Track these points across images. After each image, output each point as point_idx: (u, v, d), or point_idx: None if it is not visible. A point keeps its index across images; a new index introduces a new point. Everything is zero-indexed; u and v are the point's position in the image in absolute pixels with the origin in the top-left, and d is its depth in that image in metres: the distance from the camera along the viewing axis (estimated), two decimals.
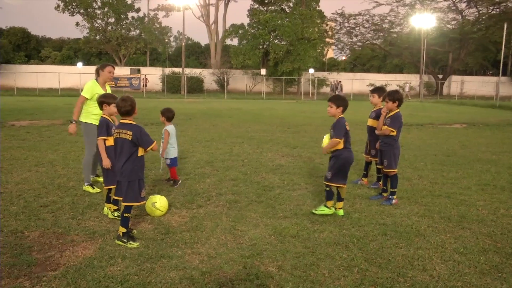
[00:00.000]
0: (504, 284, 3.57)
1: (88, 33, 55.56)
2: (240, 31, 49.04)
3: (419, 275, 3.70)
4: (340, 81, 44.55)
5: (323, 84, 50.48)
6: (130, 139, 4.22)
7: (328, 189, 5.23)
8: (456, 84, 55.35)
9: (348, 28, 56.60)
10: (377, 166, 6.43)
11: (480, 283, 3.58)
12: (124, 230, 4.24)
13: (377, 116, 6.23)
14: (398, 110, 5.85)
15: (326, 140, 5.41)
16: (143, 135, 4.25)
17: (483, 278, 3.66)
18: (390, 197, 5.80)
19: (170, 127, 6.54)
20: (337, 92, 42.95)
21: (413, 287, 3.49)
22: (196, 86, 44.60)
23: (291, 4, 50.19)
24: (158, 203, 5.05)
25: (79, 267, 3.68)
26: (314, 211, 5.19)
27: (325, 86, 48.88)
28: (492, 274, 3.74)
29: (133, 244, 4.18)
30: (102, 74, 6.22)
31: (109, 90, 6.25)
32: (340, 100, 5.28)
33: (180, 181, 6.57)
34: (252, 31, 48.34)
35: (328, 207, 5.18)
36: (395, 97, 5.80)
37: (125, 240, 4.20)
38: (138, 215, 5.09)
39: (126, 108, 4.27)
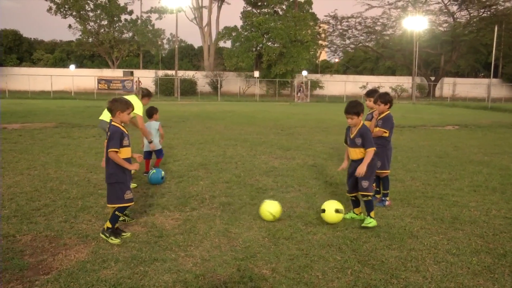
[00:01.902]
0: (496, 285, 3.60)
1: (80, 35, 55.32)
2: (233, 34, 49.08)
3: (412, 276, 3.72)
4: (302, 82, 44.83)
5: (316, 87, 50.64)
6: (107, 139, 4.36)
7: (369, 198, 4.96)
8: (448, 86, 55.78)
9: (341, 31, 56.91)
10: None
11: (473, 283, 3.61)
12: (109, 225, 4.33)
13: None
14: (389, 112, 5.88)
15: (332, 213, 4.92)
16: (112, 136, 4.30)
17: (475, 279, 3.69)
18: (383, 198, 5.82)
19: (147, 123, 7.16)
20: (300, 93, 43.24)
21: None
22: (189, 88, 44.54)
23: (284, 7, 50.38)
24: (272, 208, 5.00)
25: (71, 271, 3.66)
26: (364, 225, 4.84)
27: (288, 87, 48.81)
28: (484, 275, 3.77)
29: (114, 241, 4.25)
30: (147, 100, 6.98)
31: None
32: (358, 107, 4.89)
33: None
34: (245, 33, 48.40)
35: (373, 218, 4.93)
36: (386, 99, 5.82)
37: (107, 235, 4.29)
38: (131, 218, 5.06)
39: (107, 106, 4.48)
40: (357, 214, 5.21)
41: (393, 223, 5.05)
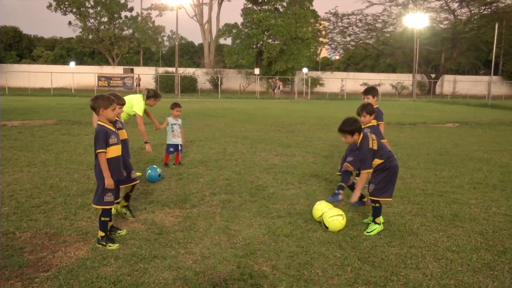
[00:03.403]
0: (495, 282, 3.60)
1: (80, 32, 55.24)
2: (234, 31, 48.98)
3: (412, 273, 3.72)
4: (277, 79, 44.97)
5: (316, 84, 50.60)
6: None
7: (377, 205, 4.69)
8: (449, 84, 55.70)
9: (341, 28, 56.76)
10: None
11: (472, 280, 3.61)
12: (102, 234, 4.19)
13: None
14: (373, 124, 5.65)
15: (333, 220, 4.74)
16: (96, 137, 4.15)
17: (475, 276, 3.69)
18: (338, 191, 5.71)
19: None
20: (276, 91, 43.21)
21: (406, 286, 3.51)
22: (189, 85, 44.51)
23: (284, 4, 50.24)
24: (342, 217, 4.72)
25: (71, 268, 3.66)
26: (366, 233, 4.60)
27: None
28: (484, 272, 3.77)
29: (112, 246, 4.12)
30: (153, 102, 7.08)
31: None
32: (351, 125, 4.63)
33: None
34: (246, 30, 48.30)
35: (379, 223, 4.70)
36: (371, 109, 5.57)
37: (104, 243, 4.15)
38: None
39: (90, 105, 4.29)
40: (379, 224, 4.75)
41: (393, 220, 5.04)
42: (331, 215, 4.64)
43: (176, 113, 7.79)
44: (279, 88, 43.89)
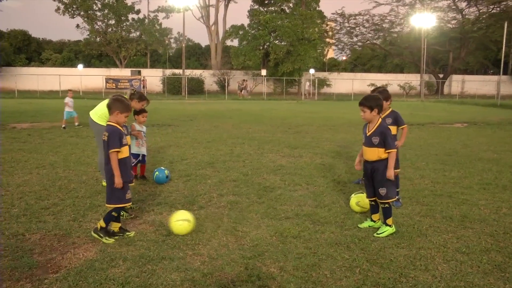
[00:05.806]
0: (507, 284, 3.56)
1: (88, 35, 55.70)
2: (240, 32, 49.04)
3: (421, 275, 3.69)
4: (246, 80, 44.84)
5: (323, 85, 50.52)
6: (105, 139, 4.29)
7: (386, 205, 4.61)
8: (457, 83, 55.29)
9: (348, 28, 56.60)
10: None
11: (483, 283, 3.57)
12: (103, 225, 4.31)
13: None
14: (391, 108, 5.66)
15: (355, 201, 5.30)
16: (110, 137, 4.25)
17: (485, 278, 3.65)
18: (398, 197, 5.58)
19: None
20: (244, 92, 43.13)
21: None
22: (196, 87, 44.60)
23: (291, 5, 50.18)
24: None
25: (80, 269, 3.68)
26: (376, 235, 4.54)
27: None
28: (495, 274, 3.73)
29: (109, 240, 4.21)
30: (137, 104, 6.35)
31: None
32: (371, 100, 4.55)
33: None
34: (252, 31, 48.33)
35: (390, 225, 4.60)
36: (386, 95, 5.49)
37: (101, 235, 4.25)
38: (139, 217, 5.08)
39: (107, 103, 4.49)
40: (375, 222, 4.81)
41: (402, 221, 5.01)
42: (177, 219, 4.47)
43: (141, 119, 6.82)
44: (245, 88, 44.09)
